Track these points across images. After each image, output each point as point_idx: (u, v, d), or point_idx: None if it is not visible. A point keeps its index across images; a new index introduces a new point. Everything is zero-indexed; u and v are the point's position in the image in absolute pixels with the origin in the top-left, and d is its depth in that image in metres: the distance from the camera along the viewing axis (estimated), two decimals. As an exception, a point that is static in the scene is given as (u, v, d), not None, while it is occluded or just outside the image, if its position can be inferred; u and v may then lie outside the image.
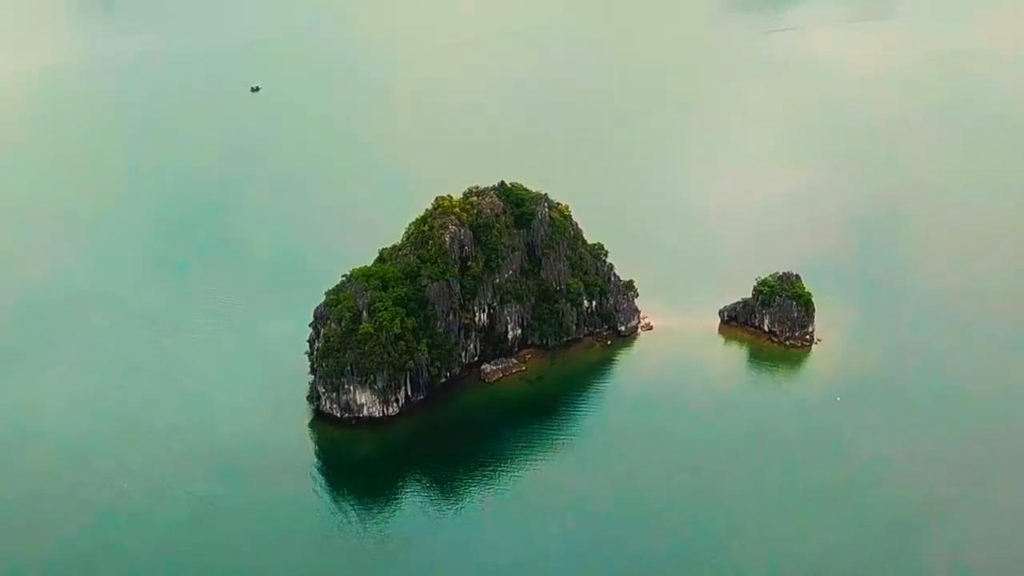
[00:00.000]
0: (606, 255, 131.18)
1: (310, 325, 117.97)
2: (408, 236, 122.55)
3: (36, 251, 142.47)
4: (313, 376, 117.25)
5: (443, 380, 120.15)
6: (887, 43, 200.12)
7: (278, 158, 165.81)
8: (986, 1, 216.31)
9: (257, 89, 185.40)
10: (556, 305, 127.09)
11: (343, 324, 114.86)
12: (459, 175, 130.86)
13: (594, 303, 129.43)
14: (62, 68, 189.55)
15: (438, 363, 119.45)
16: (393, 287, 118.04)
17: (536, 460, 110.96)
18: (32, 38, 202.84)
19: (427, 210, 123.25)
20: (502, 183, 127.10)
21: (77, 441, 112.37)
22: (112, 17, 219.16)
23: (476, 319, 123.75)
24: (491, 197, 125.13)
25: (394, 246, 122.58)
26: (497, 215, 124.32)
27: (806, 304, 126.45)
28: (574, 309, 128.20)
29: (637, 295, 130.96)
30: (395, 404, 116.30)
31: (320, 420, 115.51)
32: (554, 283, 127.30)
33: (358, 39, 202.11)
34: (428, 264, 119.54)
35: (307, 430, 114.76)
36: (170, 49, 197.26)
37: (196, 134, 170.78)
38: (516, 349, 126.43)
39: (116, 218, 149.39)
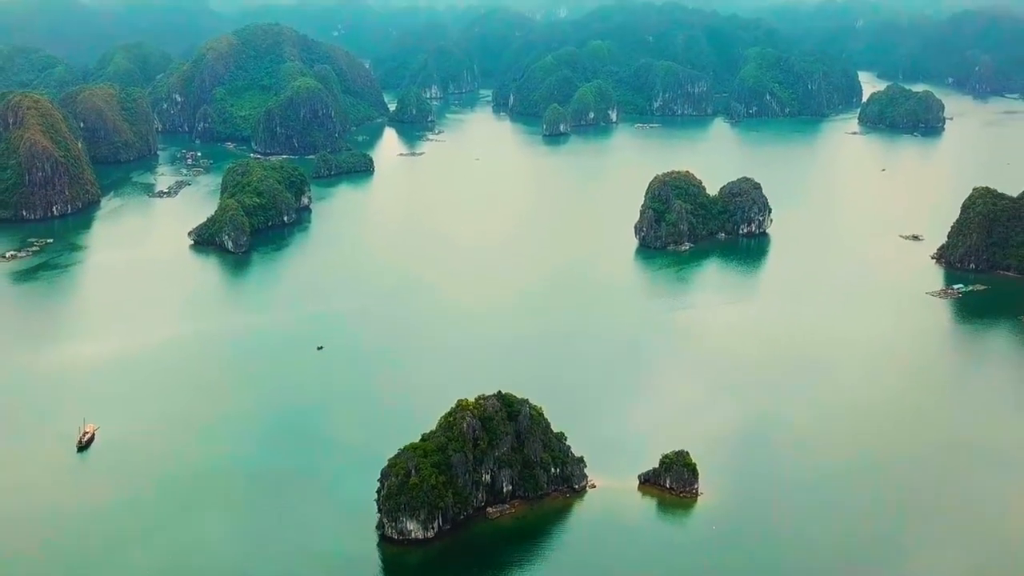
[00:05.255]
0: (566, 439, 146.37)
1: (378, 480, 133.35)
2: (440, 424, 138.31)
3: (193, 443, 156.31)
4: (379, 512, 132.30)
5: (462, 516, 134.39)
6: (752, 315, 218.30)
7: (344, 388, 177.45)
8: (819, 295, 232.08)
9: (321, 348, 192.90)
10: (534, 471, 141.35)
11: (399, 479, 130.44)
12: (471, 387, 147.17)
13: (558, 470, 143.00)
14: (200, 334, 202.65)
15: (458, 505, 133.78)
16: (430, 456, 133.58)
17: (523, 567, 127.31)
18: (180, 316, 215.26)
19: (452, 408, 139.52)
20: (499, 392, 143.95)
21: (232, 557, 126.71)
22: (236, 301, 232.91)
23: (483, 478, 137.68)
24: (493, 400, 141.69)
25: (431, 431, 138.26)
26: (496, 411, 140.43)
27: (693, 470, 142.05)
28: (545, 473, 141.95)
29: (586, 465, 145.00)
30: (432, 530, 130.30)
31: (384, 541, 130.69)
32: (533, 456, 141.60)
33: (402, 312, 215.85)
34: (453, 442, 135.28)
35: (375, 547, 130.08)
36: (266, 323, 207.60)
37: (281, 375, 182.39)
38: (508, 498, 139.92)
39: (237, 426, 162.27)
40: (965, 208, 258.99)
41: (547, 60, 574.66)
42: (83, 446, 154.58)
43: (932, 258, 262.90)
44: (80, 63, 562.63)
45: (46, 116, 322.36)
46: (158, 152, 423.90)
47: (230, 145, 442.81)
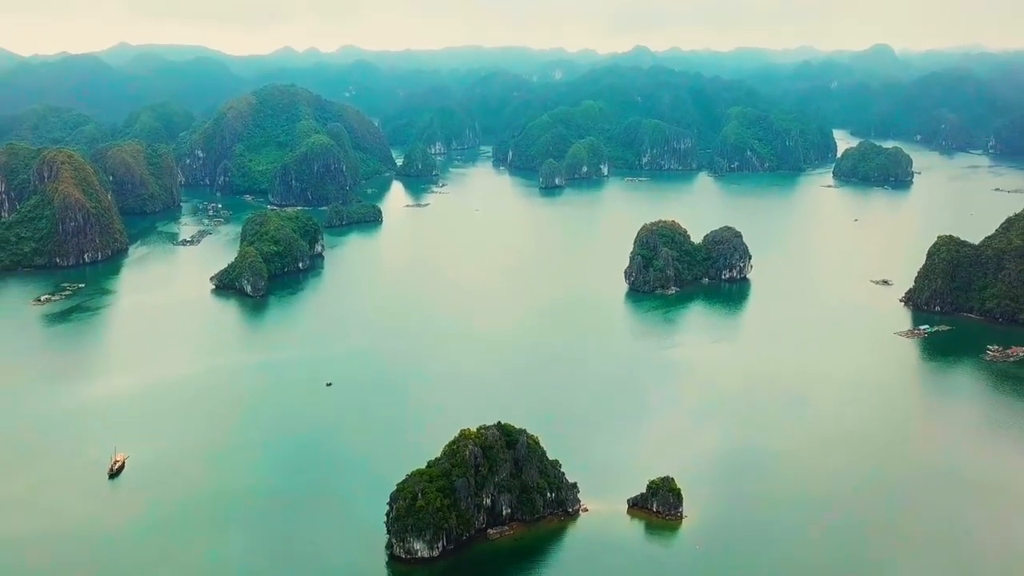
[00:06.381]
0: (561, 466, 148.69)
1: (387, 503, 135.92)
2: (444, 452, 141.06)
3: (215, 469, 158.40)
4: (388, 533, 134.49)
5: (464, 537, 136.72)
6: (733, 353, 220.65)
7: (354, 419, 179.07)
8: (796, 335, 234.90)
9: (330, 384, 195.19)
10: (531, 495, 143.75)
11: (406, 502, 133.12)
12: (473, 418, 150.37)
13: (553, 495, 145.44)
14: (220, 370, 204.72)
15: (461, 527, 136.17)
16: (435, 481, 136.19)
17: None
18: (202, 354, 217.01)
19: (455, 437, 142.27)
20: (499, 422, 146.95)
21: (250, 574, 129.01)
22: (254, 341, 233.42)
23: (484, 502, 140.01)
24: (493, 430, 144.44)
25: (436, 458, 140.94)
26: (496, 440, 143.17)
27: (677, 495, 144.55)
28: (541, 498, 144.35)
29: (579, 491, 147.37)
30: (437, 549, 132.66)
31: (392, 560, 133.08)
32: (530, 482, 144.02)
33: (408, 350, 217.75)
34: (456, 468, 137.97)
35: (384, 565, 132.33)
36: (282, 360, 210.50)
37: (297, 408, 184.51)
38: (507, 521, 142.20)
39: (256, 454, 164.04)
40: (931, 255, 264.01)
41: (543, 119, 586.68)
42: (114, 473, 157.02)
43: (900, 301, 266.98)
44: (109, 121, 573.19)
45: (78, 170, 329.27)
46: (181, 204, 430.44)
47: (248, 197, 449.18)
